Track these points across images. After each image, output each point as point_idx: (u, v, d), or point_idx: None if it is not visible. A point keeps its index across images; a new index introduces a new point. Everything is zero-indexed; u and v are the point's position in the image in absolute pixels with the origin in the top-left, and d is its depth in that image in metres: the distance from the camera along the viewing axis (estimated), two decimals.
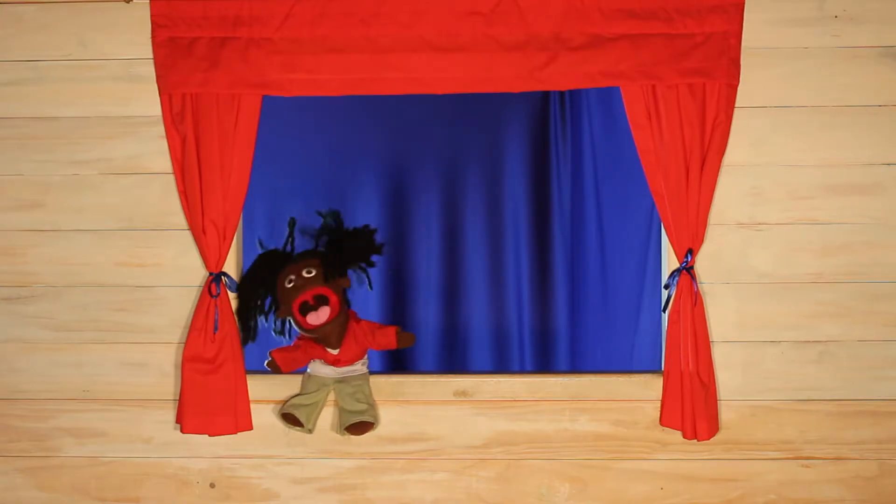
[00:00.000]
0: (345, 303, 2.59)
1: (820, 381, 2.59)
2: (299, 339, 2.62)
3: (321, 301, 2.53)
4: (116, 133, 2.61)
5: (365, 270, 2.62)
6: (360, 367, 2.61)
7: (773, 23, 2.55)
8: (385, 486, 2.64)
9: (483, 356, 4.01)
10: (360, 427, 2.56)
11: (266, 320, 2.62)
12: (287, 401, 2.59)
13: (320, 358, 2.59)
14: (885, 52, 2.55)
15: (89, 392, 2.64)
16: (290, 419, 2.56)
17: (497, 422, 2.63)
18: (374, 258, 2.63)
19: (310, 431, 2.58)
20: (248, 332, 2.60)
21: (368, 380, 2.61)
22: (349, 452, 2.64)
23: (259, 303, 2.60)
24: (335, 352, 2.58)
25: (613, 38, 2.51)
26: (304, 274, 2.54)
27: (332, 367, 2.59)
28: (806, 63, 2.55)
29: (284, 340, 2.64)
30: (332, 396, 2.61)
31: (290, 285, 2.54)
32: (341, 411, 2.58)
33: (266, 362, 2.61)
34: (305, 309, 2.52)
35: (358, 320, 2.62)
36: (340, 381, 2.59)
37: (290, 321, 2.59)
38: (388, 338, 2.61)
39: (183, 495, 2.65)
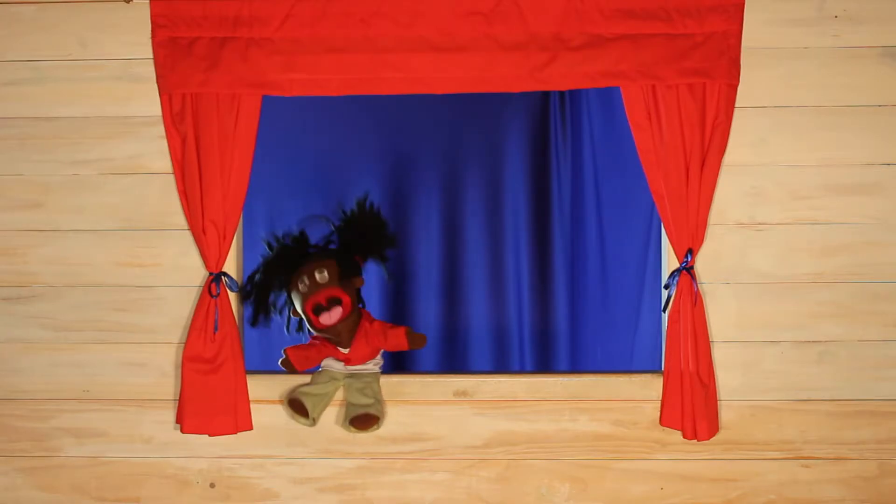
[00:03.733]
0: (357, 302, 2.61)
1: (820, 381, 2.59)
2: (314, 337, 2.63)
3: (334, 302, 2.54)
4: (116, 133, 2.61)
5: (382, 263, 2.65)
6: (371, 367, 2.62)
7: (773, 23, 2.55)
8: (385, 486, 2.64)
9: (483, 356, 4.01)
10: (364, 420, 2.54)
11: (280, 316, 2.64)
12: (295, 388, 2.59)
13: (332, 356, 2.60)
14: (885, 52, 2.55)
15: (89, 392, 2.64)
16: (296, 406, 2.55)
17: (497, 422, 2.63)
18: (389, 252, 2.68)
19: (313, 422, 2.57)
20: (260, 321, 2.62)
21: (379, 378, 2.61)
22: (349, 452, 2.64)
23: (273, 300, 2.62)
24: (345, 351, 2.59)
25: (613, 38, 2.51)
26: (317, 277, 2.55)
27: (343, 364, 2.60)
28: (806, 63, 2.55)
29: (302, 338, 2.66)
30: (339, 396, 2.61)
31: (304, 289, 2.55)
32: (347, 405, 2.58)
33: (280, 360, 2.60)
34: (319, 310, 2.54)
35: (371, 321, 2.63)
36: (350, 376, 2.59)
37: (301, 320, 2.62)
38: (399, 339, 2.61)
39: (183, 495, 2.65)
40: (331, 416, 2.62)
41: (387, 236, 2.67)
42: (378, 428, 2.58)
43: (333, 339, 2.58)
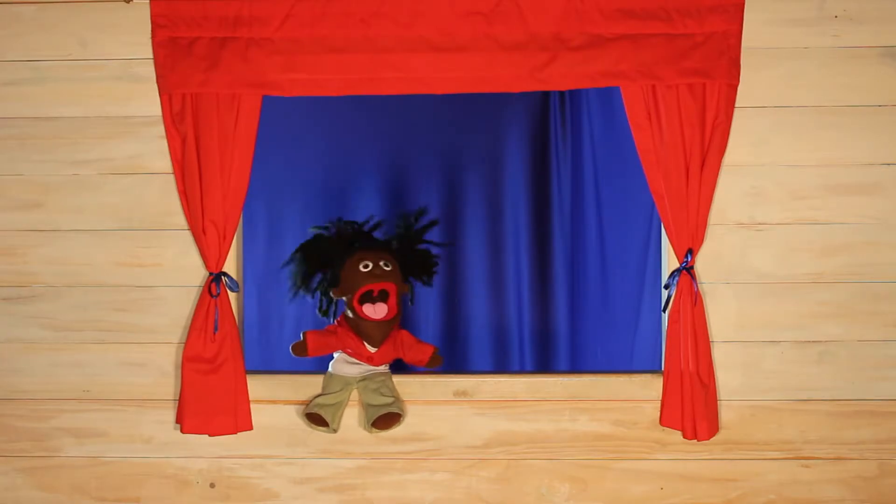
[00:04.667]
0: (401, 309, 2.59)
1: (820, 381, 2.59)
2: (337, 325, 2.61)
3: (383, 297, 2.53)
4: (116, 133, 2.61)
5: (426, 282, 2.66)
6: (383, 368, 2.61)
7: (773, 23, 2.55)
8: (385, 486, 2.64)
9: (483, 356, 4.02)
10: (387, 419, 2.53)
11: (312, 297, 2.61)
12: (310, 401, 2.58)
13: (354, 350, 2.58)
14: (885, 52, 2.55)
15: (89, 392, 2.64)
16: (315, 419, 2.55)
17: (497, 422, 2.63)
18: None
19: (334, 431, 2.57)
20: (299, 292, 2.61)
21: (391, 376, 2.61)
22: (349, 452, 2.64)
23: (314, 275, 2.60)
24: (373, 350, 2.58)
25: (613, 38, 2.51)
26: (383, 265, 2.53)
27: (356, 365, 2.58)
28: (806, 63, 2.55)
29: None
30: (353, 397, 2.61)
31: (365, 270, 2.52)
32: (366, 408, 2.57)
33: (293, 344, 2.59)
34: (365, 298, 2.52)
35: (399, 329, 2.63)
36: (363, 378, 2.59)
37: (335, 303, 2.59)
38: (424, 355, 2.63)
39: (183, 495, 2.65)
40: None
41: (429, 268, 2.67)
42: (400, 425, 2.57)
43: (365, 334, 2.56)
